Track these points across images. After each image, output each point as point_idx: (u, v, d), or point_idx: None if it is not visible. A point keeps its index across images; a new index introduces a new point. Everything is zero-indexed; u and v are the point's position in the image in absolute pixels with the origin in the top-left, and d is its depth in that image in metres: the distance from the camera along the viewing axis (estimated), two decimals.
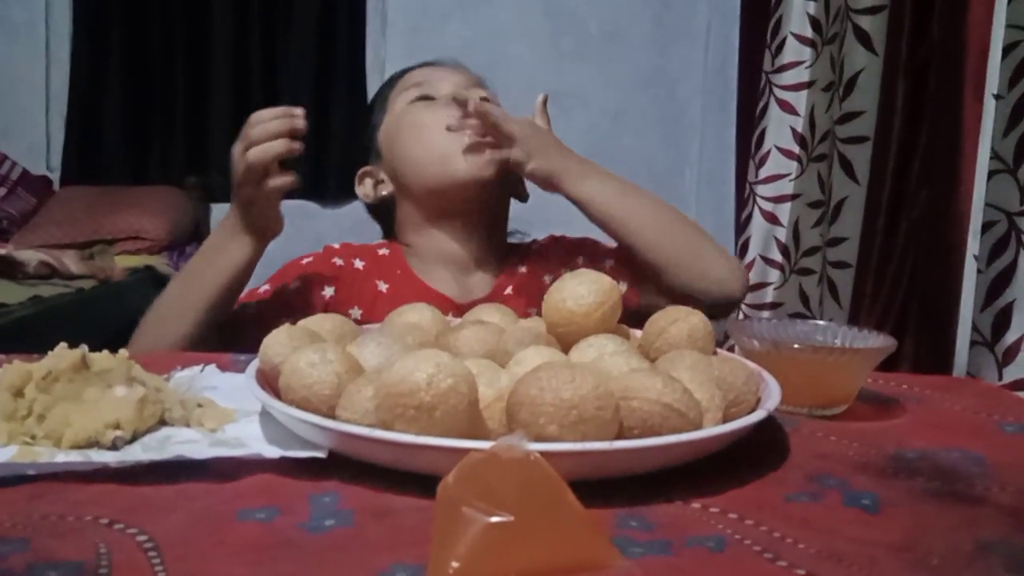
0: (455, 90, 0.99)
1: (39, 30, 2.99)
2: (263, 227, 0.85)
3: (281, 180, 0.82)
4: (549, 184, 0.92)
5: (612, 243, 1.01)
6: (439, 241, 1.00)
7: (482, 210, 0.99)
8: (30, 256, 2.09)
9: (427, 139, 0.97)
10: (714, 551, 0.40)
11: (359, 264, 0.98)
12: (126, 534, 0.40)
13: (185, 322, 0.84)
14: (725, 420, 0.50)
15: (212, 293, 0.84)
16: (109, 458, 0.48)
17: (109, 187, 2.84)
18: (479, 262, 1.00)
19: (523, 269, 1.01)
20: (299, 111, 0.82)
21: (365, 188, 1.05)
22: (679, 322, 0.60)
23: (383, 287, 0.97)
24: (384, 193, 1.04)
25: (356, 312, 0.94)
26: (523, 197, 1.06)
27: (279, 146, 0.80)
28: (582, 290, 0.59)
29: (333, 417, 0.49)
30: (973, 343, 1.22)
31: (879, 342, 0.65)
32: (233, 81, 3.00)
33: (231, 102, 3.00)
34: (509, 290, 0.99)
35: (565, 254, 1.03)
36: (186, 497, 0.45)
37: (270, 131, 0.80)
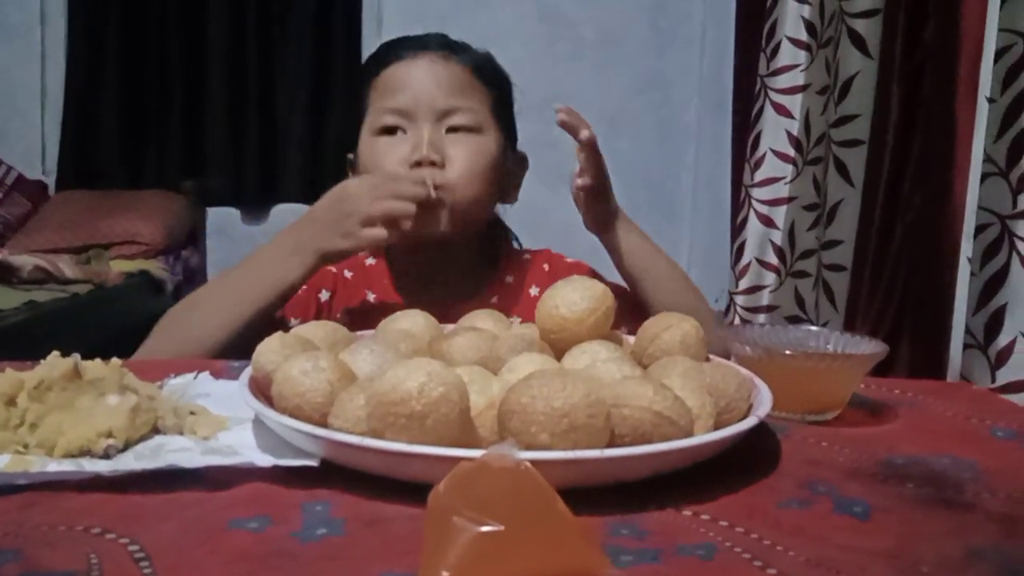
0: (430, 126, 0.92)
1: (35, 34, 2.99)
2: (335, 257, 0.86)
3: (390, 235, 0.84)
4: (602, 226, 0.93)
5: (609, 279, 1.01)
6: (416, 264, 0.98)
7: (454, 242, 0.95)
8: (25, 261, 2.08)
9: None
10: (704, 559, 0.40)
11: (348, 275, 0.98)
12: (118, 544, 0.40)
13: (226, 330, 0.83)
14: (717, 427, 0.51)
15: (262, 305, 0.84)
16: (102, 467, 0.48)
17: (105, 191, 2.85)
18: (463, 276, 0.99)
19: (510, 279, 1.01)
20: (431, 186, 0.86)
21: None
22: (672, 328, 0.60)
23: (371, 296, 0.97)
24: None
25: (345, 319, 0.95)
26: (511, 201, 1.04)
27: (411, 209, 0.83)
28: (575, 296, 0.59)
29: (325, 425, 0.49)
30: (966, 346, 1.22)
31: (871, 348, 0.65)
32: (229, 85, 3.00)
33: (227, 106, 3.00)
34: (494, 299, 0.99)
35: (560, 276, 1.02)
36: (178, 506, 0.45)
37: (408, 193, 0.84)
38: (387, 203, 0.83)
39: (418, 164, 0.90)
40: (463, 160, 0.92)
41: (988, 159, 1.18)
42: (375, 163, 0.93)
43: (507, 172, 1.00)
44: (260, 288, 0.84)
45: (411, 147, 0.91)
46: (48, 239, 2.54)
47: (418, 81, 0.94)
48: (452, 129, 0.93)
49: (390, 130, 0.93)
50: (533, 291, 1.01)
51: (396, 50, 0.98)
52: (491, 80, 0.99)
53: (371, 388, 0.48)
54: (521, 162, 1.04)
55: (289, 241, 0.85)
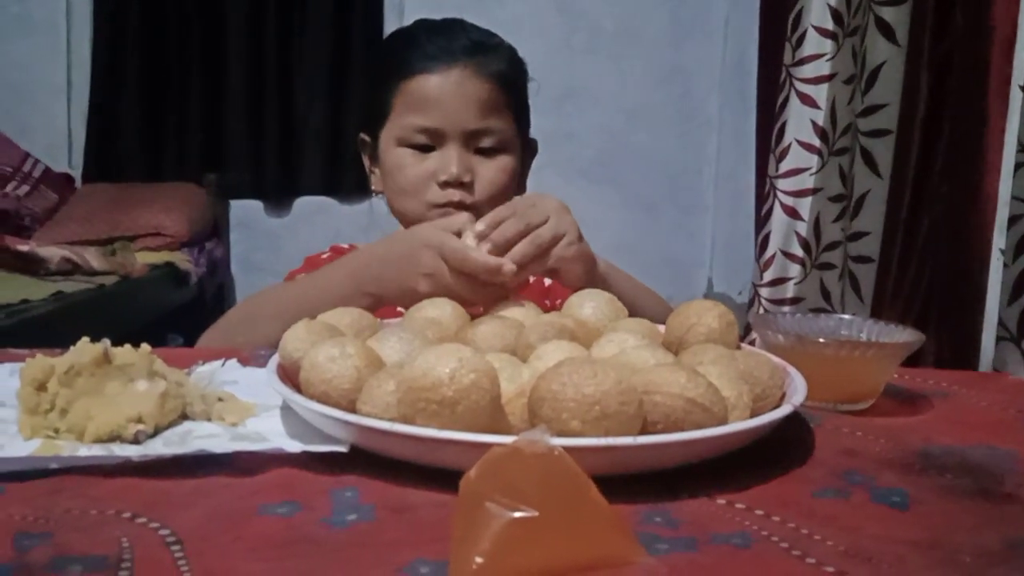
0: (459, 146, 0.93)
1: (60, 29, 3.02)
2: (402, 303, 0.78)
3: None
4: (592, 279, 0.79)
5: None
6: None
7: None
8: (52, 253, 2.11)
9: (411, 202, 0.95)
10: (740, 548, 0.39)
11: None
12: (148, 528, 0.40)
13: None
14: (752, 415, 0.50)
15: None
16: (131, 452, 0.48)
17: (129, 184, 2.87)
18: None
19: None
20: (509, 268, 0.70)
21: (367, 164, 1.05)
22: (706, 314, 0.59)
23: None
24: (374, 189, 1.03)
25: None
26: (520, 193, 1.04)
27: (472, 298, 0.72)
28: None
29: (353, 411, 0.49)
30: (999, 338, 1.20)
31: (905, 336, 0.64)
32: (249, 78, 3.01)
33: (248, 99, 3.02)
34: None
35: None
36: (207, 491, 0.45)
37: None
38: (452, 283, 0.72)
39: (447, 184, 0.92)
40: (490, 181, 0.94)
41: (1021, 149, 1.16)
42: (402, 176, 0.95)
43: (523, 173, 1.02)
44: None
45: (440, 165, 0.93)
46: (74, 231, 2.57)
47: (449, 100, 0.93)
48: (479, 150, 0.95)
49: (418, 144, 0.95)
50: None
51: (424, 58, 0.95)
52: (514, 89, 0.99)
53: (401, 374, 0.47)
54: (532, 150, 1.05)
55: (362, 275, 0.79)
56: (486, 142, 0.95)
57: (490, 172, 0.95)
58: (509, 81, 0.98)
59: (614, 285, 0.79)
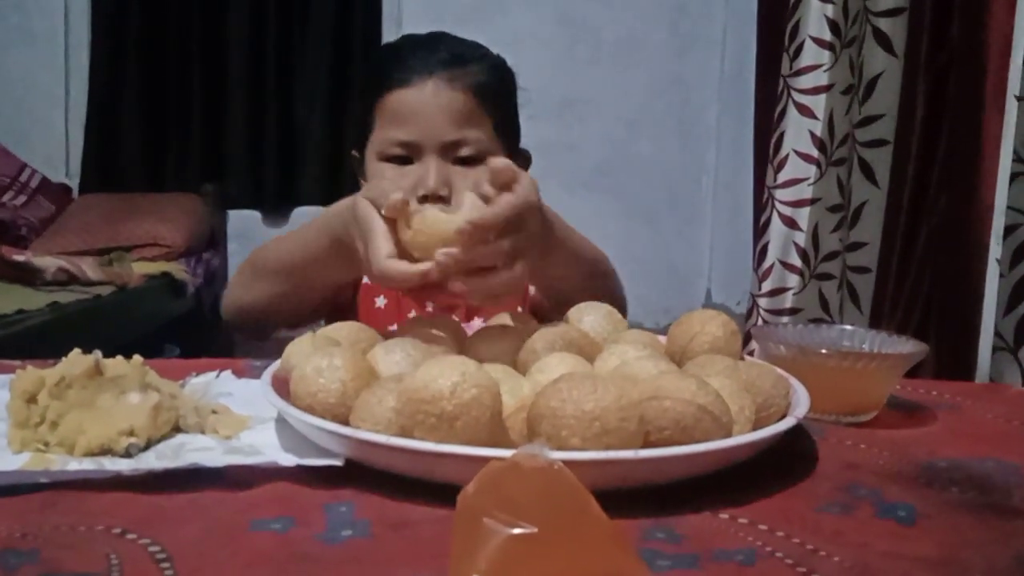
0: (436, 159, 0.92)
1: (58, 39, 3.01)
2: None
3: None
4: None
5: None
6: None
7: None
8: (49, 263, 2.10)
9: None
10: (744, 564, 0.38)
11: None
12: (138, 544, 0.39)
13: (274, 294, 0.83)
14: (754, 427, 0.49)
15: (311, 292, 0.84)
16: (123, 466, 0.47)
17: (127, 194, 2.86)
18: None
19: None
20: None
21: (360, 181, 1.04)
22: (709, 323, 0.59)
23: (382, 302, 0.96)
24: None
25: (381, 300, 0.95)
26: None
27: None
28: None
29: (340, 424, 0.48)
30: (996, 349, 1.20)
31: (908, 347, 0.63)
32: (248, 88, 3.01)
33: (246, 109, 3.01)
34: None
35: None
36: (200, 506, 0.44)
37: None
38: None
39: (426, 198, 0.90)
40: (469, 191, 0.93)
41: (1017, 158, 1.16)
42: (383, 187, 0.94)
43: None
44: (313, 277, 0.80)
45: (418, 179, 0.92)
46: (71, 241, 2.56)
47: (424, 113, 0.92)
48: (458, 160, 0.93)
49: (397, 157, 0.94)
50: None
51: (403, 72, 0.94)
52: (496, 99, 0.97)
53: (403, 383, 0.46)
54: (523, 161, 1.03)
55: (342, 240, 0.72)
56: (464, 151, 0.93)
57: (469, 182, 0.91)
58: (489, 91, 0.96)
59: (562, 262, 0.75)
